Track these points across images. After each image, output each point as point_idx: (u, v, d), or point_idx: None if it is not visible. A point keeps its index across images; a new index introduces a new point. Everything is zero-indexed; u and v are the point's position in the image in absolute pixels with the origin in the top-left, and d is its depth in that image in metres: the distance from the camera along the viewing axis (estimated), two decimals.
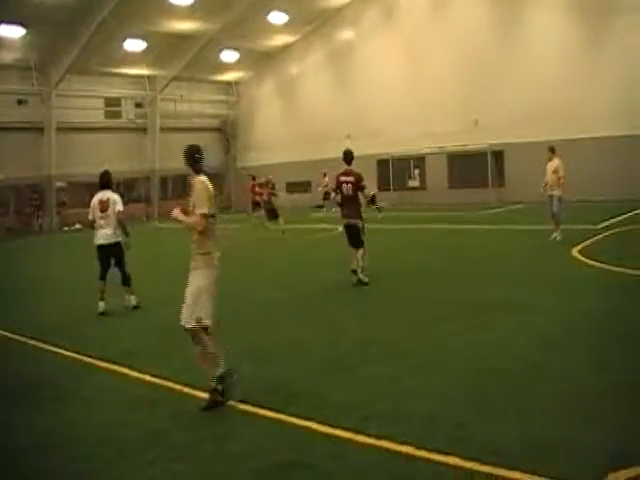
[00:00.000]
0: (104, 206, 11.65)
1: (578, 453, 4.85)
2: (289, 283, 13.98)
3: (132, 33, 37.36)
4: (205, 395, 6.45)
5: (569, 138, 29.08)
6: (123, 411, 6.53)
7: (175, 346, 8.49)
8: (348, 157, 12.92)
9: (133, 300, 11.86)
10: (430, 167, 37.94)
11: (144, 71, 42.74)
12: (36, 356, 9.05)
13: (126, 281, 11.91)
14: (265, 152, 46.14)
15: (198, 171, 6.85)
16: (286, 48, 44.26)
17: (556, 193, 16.66)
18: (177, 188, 48.24)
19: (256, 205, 27.65)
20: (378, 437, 5.32)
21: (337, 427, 5.60)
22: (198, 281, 6.45)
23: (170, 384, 7.12)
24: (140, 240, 25.78)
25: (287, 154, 44.11)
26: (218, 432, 5.79)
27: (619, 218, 21.62)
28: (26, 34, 34.64)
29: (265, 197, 25.60)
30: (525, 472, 4.55)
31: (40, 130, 39.90)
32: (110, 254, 11.70)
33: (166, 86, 43.87)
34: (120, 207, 11.75)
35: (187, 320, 6.39)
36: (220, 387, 6.36)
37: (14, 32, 34.37)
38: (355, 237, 12.76)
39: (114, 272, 11.82)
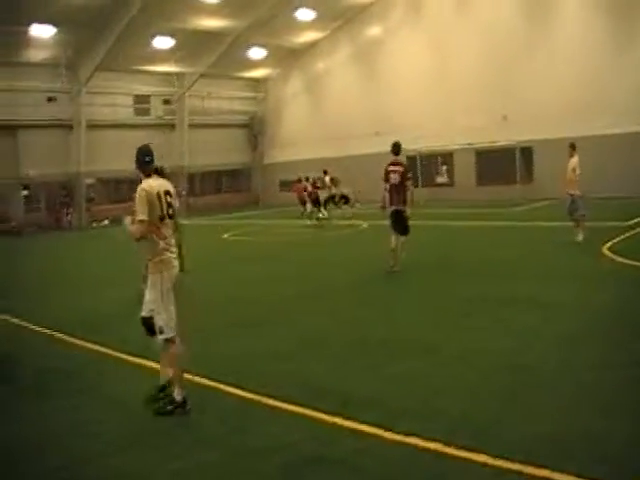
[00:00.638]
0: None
1: (609, 450, 4.80)
2: (315, 277, 14.11)
3: (160, 30, 37.56)
4: (228, 388, 6.60)
5: (599, 134, 28.81)
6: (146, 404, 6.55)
7: (201, 340, 8.67)
8: (396, 149, 13.58)
9: None
10: (458, 163, 37.71)
11: (172, 68, 42.99)
12: (62, 349, 9.16)
13: None
14: (291, 149, 46.30)
15: (148, 174, 6.52)
16: (313, 45, 44.23)
17: (575, 192, 16.30)
18: (205, 184, 48.59)
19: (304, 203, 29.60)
20: (406, 434, 5.29)
21: (364, 423, 5.56)
22: (151, 293, 6.25)
23: (196, 378, 7.13)
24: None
25: (313, 151, 44.05)
26: (244, 426, 5.78)
27: None
28: (56, 33, 35.01)
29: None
30: (554, 470, 4.51)
31: (69, 127, 40.27)
32: None
33: (194, 83, 44.04)
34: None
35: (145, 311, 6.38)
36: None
37: (45, 31, 34.75)
38: (402, 223, 13.31)
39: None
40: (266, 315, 10.51)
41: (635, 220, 19.84)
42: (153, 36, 37.98)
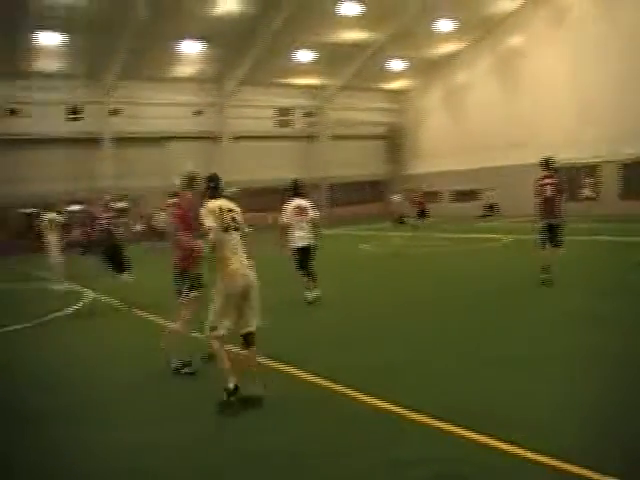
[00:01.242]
0: (302, 212, 12.68)
1: None
2: (457, 290, 13.71)
3: (302, 44, 38.57)
4: (368, 398, 6.63)
5: None
6: (290, 413, 6.56)
7: (334, 349, 8.88)
8: (547, 163, 13.65)
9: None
10: (602, 176, 36.24)
11: (314, 81, 43.96)
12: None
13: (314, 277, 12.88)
14: (431, 160, 46.03)
15: (213, 197, 7.04)
16: (453, 56, 43.88)
17: None
18: (345, 195, 49.08)
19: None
20: (553, 455, 5.03)
21: (508, 442, 5.35)
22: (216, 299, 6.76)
23: (333, 385, 7.13)
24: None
25: (453, 162, 43.68)
26: (387, 439, 5.72)
27: None
28: (204, 48, 36.79)
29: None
30: None
31: (214, 139, 42.05)
32: (307, 254, 12.77)
33: (335, 95, 44.80)
34: (314, 213, 12.88)
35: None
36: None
37: (193, 47, 36.68)
38: (557, 235, 13.19)
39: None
40: (409, 326, 10.39)
41: None
42: (295, 50, 39.04)
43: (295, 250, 12.79)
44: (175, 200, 9.48)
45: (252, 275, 6.90)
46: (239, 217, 7.02)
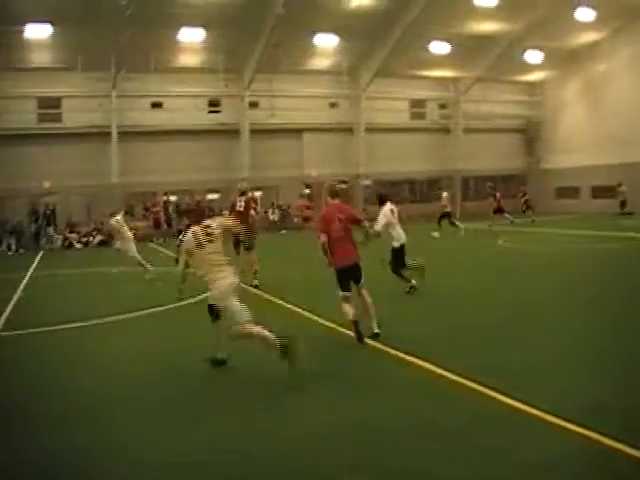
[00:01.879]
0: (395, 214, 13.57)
1: None
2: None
3: (437, 36, 38.60)
4: (504, 398, 6.58)
5: None
6: (425, 405, 6.66)
7: (475, 346, 8.94)
8: None
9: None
10: None
11: (448, 73, 43.87)
12: (340, 341, 9.71)
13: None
14: (569, 154, 44.66)
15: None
16: (593, 46, 42.43)
17: None
18: (479, 189, 48.61)
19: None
20: None
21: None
22: None
23: (471, 384, 7.09)
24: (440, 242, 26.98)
25: (593, 157, 42.14)
26: (520, 440, 5.65)
27: None
28: (339, 42, 37.71)
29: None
30: None
31: (349, 130, 42.91)
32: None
33: (469, 87, 44.54)
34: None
35: None
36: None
37: (329, 40, 37.70)
38: None
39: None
40: (554, 323, 10.26)
41: None
42: (429, 41, 39.11)
43: (398, 248, 13.52)
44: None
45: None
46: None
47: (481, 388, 6.93)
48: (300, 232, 35.09)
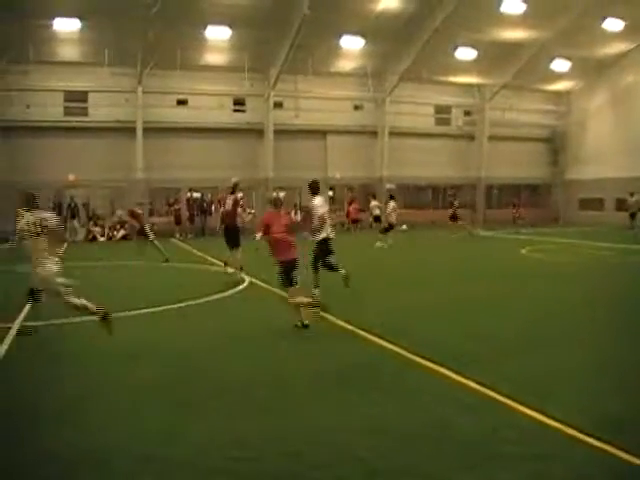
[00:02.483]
0: None
1: None
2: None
3: (463, 42, 38.61)
4: (526, 409, 6.50)
5: None
6: (445, 413, 6.54)
7: (500, 355, 8.88)
8: None
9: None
10: None
11: (474, 79, 43.75)
12: (363, 345, 9.63)
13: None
14: (594, 166, 44.28)
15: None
16: (621, 56, 42.19)
17: None
18: (503, 197, 48.45)
19: None
20: None
21: None
22: None
23: (493, 393, 7.01)
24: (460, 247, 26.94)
25: (617, 169, 41.73)
26: (541, 451, 5.53)
27: None
28: (365, 44, 37.79)
29: None
30: None
31: (373, 134, 42.96)
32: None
33: (495, 95, 44.37)
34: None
35: None
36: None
37: (355, 43, 37.80)
38: None
39: None
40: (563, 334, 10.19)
41: None
42: (455, 47, 39.13)
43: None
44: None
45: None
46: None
47: (500, 397, 6.89)
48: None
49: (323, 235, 13.49)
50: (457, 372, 7.81)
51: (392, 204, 28.12)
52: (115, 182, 36.04)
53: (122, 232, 34.27)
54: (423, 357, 8.57)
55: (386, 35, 36.76)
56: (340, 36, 36.92)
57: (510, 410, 6.54)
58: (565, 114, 48.52)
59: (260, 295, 14.44)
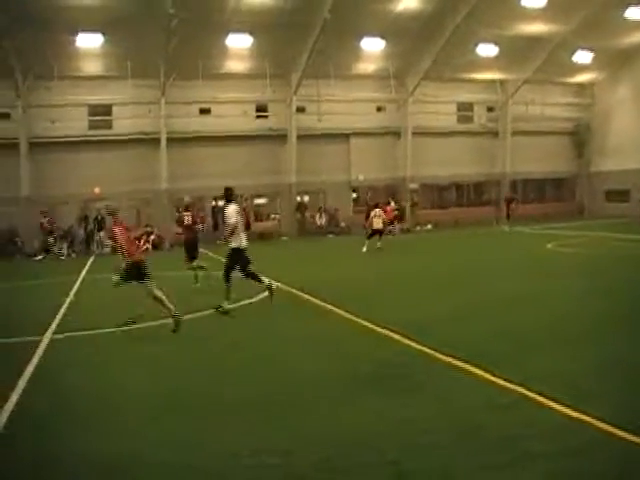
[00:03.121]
0: None
1: None
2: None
3: (484, 38, 38.26)
4: (559, 407, 6.46)
5: None
6: (476, 412, 6.54)
7: (526, 352, 8.82)
8: None
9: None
10: None
11: (496, 75, 43.43)
12: (392, 347, 9.67)
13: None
14: (619, 157, 43.69)
15: None
16: None
17: None
18: (527, 192, 48.12)
19: None
20: None
21: None
22: None
23: (523, 390, 7.02)
24: (489, 242, 26.82)
25: None
26: (574, 447, 5.53)
27: None
28: (385, 45, 37.68)
29: None
30: None
31: (396, 134, 42.82)
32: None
33: (517, 90, 44.02)
34: None
35: None
36: None
37: (375, 45, 37.76)
38: None
39: None
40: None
41: None
42: (476, 44, 38.80)
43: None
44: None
45: None
46: None
47: (530, 394, 6.86)
48: (349, 236, 35.01)
49: (235, 244, 13.22)
50: (486, 370, 7.83)
51: (378, 210, 27.93)
52: (140, 193, 36.29)
53: (146, 245, 34.49)
54: (452, 356, 8.60)
55: (406, 35, 36.60)
56: (360, 38, 36.83)
57: (541, 407, 6.53)
58: (589, 106, 47.95)
59: (287, 300, 14.52)
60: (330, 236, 37.71)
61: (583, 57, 42.29)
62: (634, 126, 43.24)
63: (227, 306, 12.94)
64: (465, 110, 45.55)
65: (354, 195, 42.66)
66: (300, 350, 9.78)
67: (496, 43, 38.94)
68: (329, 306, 13.16)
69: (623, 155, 43.37)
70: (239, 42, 35.26)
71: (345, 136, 41.50)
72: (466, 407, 6.71)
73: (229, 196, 13.73)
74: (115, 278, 11.87)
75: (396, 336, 10.04)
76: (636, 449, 5.39)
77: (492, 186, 46.08)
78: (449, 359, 8.53)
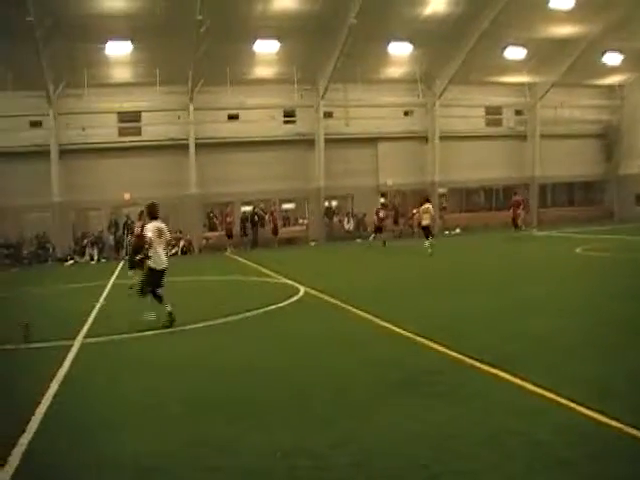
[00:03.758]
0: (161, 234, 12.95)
1: None
2: None
3: (512, 41, 38.12)
4: (589, 412, 6.37)
5: None
6: (506, 417, 6.48)
7: (557, 357, 8.69)
8: None
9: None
10: None
11: (524, 78, 43.11)
12: (422, 352, 9.59)
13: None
14: None
15: None
16: None
17: None
18: (556, 196, 47.76)
19: None
20: None
21: None
22: None
23: (553, 395, 6.92)
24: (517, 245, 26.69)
25: None
26: (605, 452, 5.45)
27: None
28: (413, 49, 37.66)
29: None
30: None
31: (424, 139, 42.73)
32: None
33: (546, 92, 43.71)
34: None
35: None
36: None
37: (403, 49, 37.77)
38: None
39: None
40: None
41: None
42: (504, 47, 38.66)
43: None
44: None
45: None
46: None
47: (560, 399, 6.78)
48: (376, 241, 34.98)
49: (152, 264, 12.59)
50: (516, 375, 7.75)
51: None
52: (169, 199, 36.52)
53: (176, 249, 34.79)
54: (481, 361, 8.52)
55: (434, 39, 36.54)
56: (388, 43, 36.87)
57: (571, 412, 6.45)
58: (618, 108, 47.44)
59: (316, 304, 14.59)
60: (358, 241, 37.68)
61: (612, 59, 41.93)
62: None
63: (151, 317, 12.46)
64: (493, 113, 45.35)
65: (382, 200, 42.58)
66: (333, 354, 9.78)
67: (524, 46, 38.78)
68: (363, 313, 13.04)
69: None
70: (266, 48, 35.53)
71: (373, 141, 41.54)
72: (495, 411, 6.67)
73: (154, 212, 12.93)
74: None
75: (426, 341, 9.99)
76: None
77: (521, 189, 45.74)
78: (478, 364, 8.47)
